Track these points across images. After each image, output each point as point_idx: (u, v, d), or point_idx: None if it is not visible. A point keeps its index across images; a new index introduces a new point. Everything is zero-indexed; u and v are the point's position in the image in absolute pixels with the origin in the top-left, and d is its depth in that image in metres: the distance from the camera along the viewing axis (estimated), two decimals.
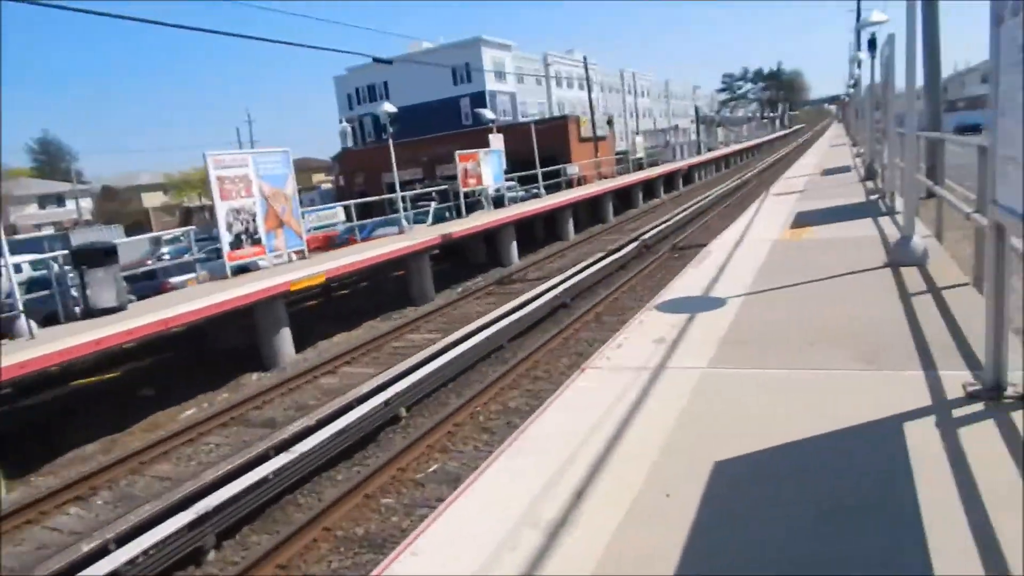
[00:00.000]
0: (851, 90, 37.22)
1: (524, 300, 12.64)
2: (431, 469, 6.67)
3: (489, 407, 8.07)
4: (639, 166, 40.43)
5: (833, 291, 5.49)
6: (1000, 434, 2.74)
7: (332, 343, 12.73)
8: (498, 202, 24.46)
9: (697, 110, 60.17)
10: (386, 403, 7.88)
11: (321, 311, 15.47)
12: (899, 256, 6.05)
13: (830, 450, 2.82)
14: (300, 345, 12.16)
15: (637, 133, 43.93)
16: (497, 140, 26.46)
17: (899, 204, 9.55)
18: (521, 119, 29.18)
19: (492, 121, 27.53)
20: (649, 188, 35.18)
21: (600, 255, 17.28)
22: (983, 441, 2.71)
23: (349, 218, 23.82)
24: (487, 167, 22.50)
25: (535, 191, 27.80)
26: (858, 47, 25.80)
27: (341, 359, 11.21)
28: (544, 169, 28.38)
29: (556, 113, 52.21)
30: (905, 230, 6.05)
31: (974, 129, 51.86)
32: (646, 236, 19.09)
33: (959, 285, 5.14)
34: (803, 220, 9.86)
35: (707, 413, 3.33)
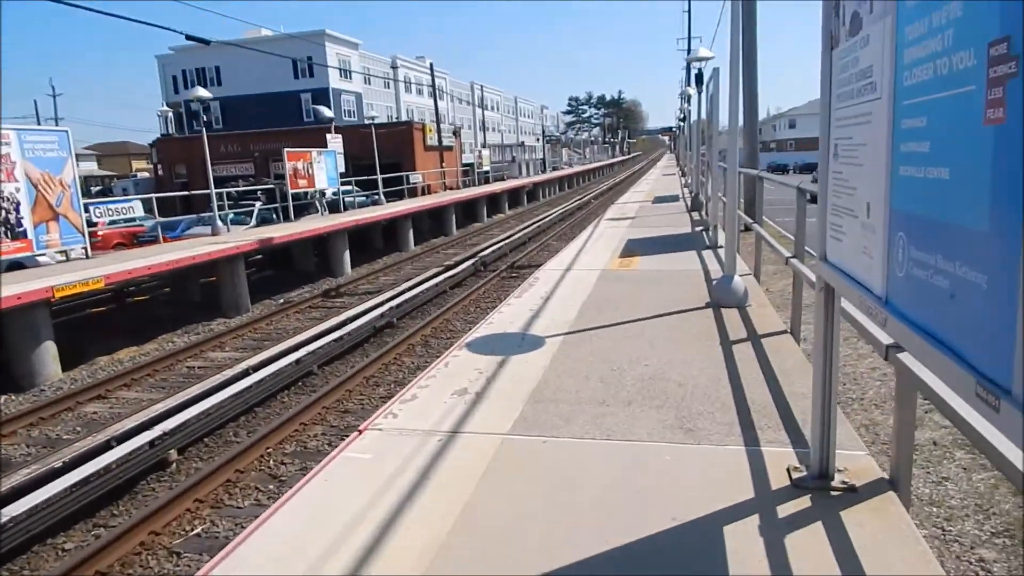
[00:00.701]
0: (681, 123, 39.89)
1: (348, 317, 11.55)
2: (194, 532, 5.46)
3: (284, 447, 6.95)
4: (485, 180, 40.44)
5: (656, 334, 5.10)
6: (829, 543, 2.27)
7: (114, 360, 10.81)
8: (335, 207, 22.98)
9: (544, 129, 61.76)
10: (152, 444, 6.50)
11: (108, 321, 13.24)
12: (721, 296, 5.85)
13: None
14: (72, 362, 10.20)
15: (484, 146, 43.97)
16: (335, 140, 24.98)
17: (721, 238, 9.71)
18: (367, 121, 27.73)
19: (331, 120, 25.97)
20: (494, 202, 35.14)
21: (437, 270, 16.54)
22: (810, 553, 2.23)
23: (162, 212, 21.16)
24: (320, 168, 21.00)
25: (375, 197, 26.56)
26: (688, 82, 27.41)
27: (119, 380, 9.43)
28: (386, 175, 27.22)
29: (405, 119, 51.07)
30: (727, 268, 5.87)
31: (782, 169, 57.85)
32: (485, 253, 18.64)
33: (777, 333, 4.94)
34: (632, 248, 9.76)
35: (493, 511, 2.61)
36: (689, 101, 29.76)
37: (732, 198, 5.85)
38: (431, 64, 33.74)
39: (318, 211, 21.73)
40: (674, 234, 11.39)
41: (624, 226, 12.90)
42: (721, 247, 9.32)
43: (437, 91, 66.11)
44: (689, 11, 42.83)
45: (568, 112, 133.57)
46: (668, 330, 5.16)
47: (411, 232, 23.25)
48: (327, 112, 26.01)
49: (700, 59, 14.23)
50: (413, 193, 30.99)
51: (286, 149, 19.42)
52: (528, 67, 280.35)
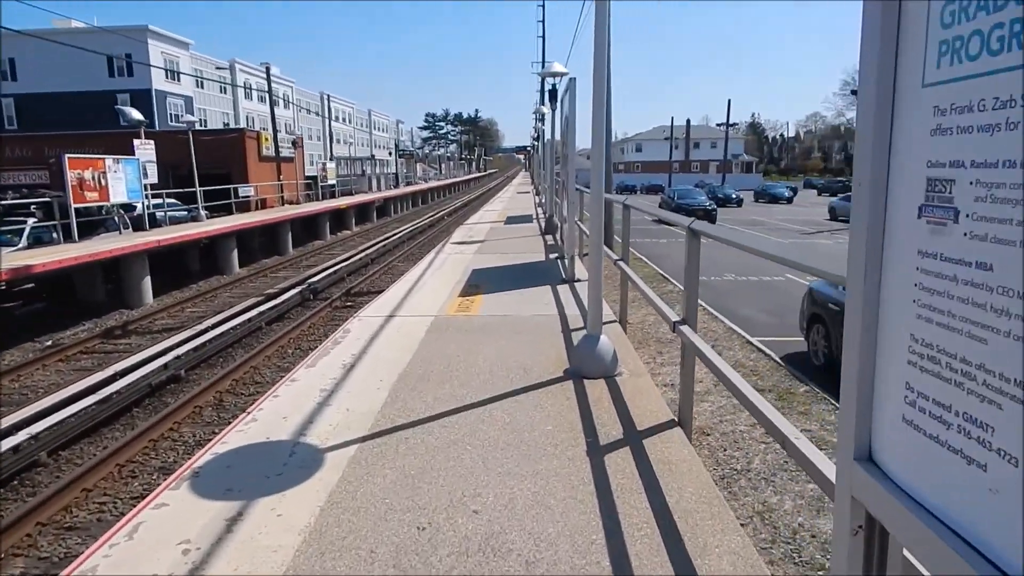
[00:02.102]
0: (535, 142, 39.58)
1: (123, 367, 9.01)
2: None
3: None
4: (331, 194, 37.62)
5: (493, 436, 3.48)
6: None
7: None
8: (140, 223, 19.56)
9: (397, 144, 59.58)
10: None
11: None
12: (583, 363, 4.37)
13: None
14: None
15: (331, 159, 41.07)
16: (146, 147, 21.53)
17: (579, 270, 8.40)
18: (185, 127, 24.28)
19: (140, 123, 22.37)
20: (339, 218, 32.53)
21: (258, 299, 14.08)
22: None
23: None
24: (118, 178, 17.64)
25: (195, 212, 23.20)
26: (542, 101, 26.74)
27: None
28: (211, 187, 23.92)
29: (245, 127, 46.73)
30: (591, 326, 4.40)
31: (630, 190, 59.95)
32: (319, 278, 16.36)
33: (663, 427, 3.50)
34: (477, 282, 8.18)
35: None
36: (543, 120, 29.21)
37: (597, 235, 4.40)
38: (267, 67, 30.59)
39: (116, 228, 18.28)
40: (526, 263, 9.99)
41: (471, 252, 11.35)
42: (579, 280, 7.99)
43: (283, 100, 61.78)
44: (543, 20, 42.66)
45: (425, 128, 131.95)
46: (511, 427, 3.55)
47: (235, 253, 20.33)
48: (135, 114, 22.34)
49: (554, 74, 13.12)
50: (245, 208, 27.74)
51: (68, 156, 15.97)
52: (385, 81, 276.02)
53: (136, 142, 21.28)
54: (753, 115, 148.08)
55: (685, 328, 3.40)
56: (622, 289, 5.98)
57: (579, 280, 8.05)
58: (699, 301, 11.23)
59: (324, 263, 20.14)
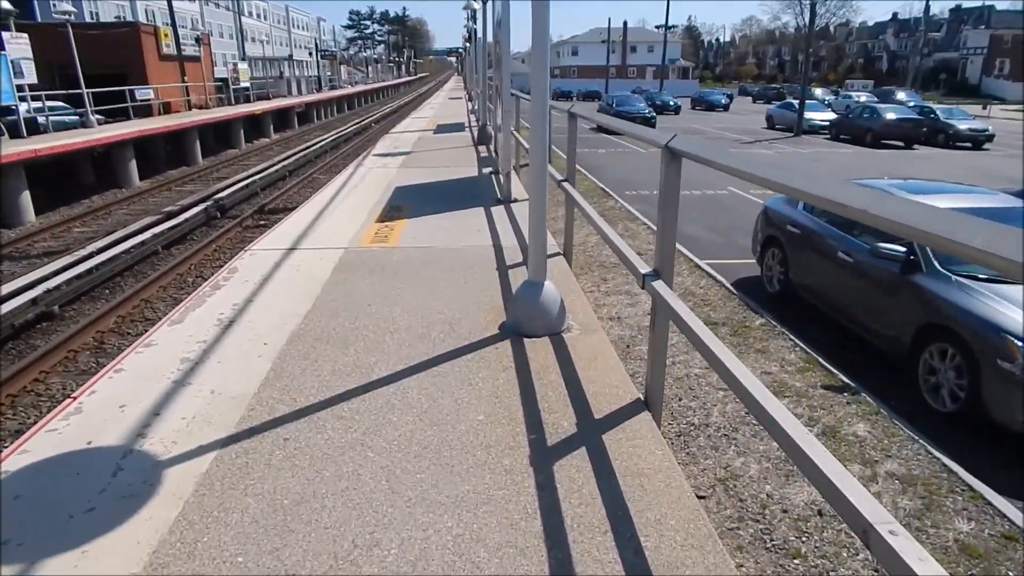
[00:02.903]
0: (467, 44, 37.04)
1: None
2: None
3: None
4: (246, 98, 34.58)
5: (409, 434, 2.61)
6: None
7: None
8: (18, 129, 17.12)
9: (317, 44, 55.17)
10: None
11: None
12: (523, 318, 3.50)
13: None
14: None
15: (243, 59, 37.50)
16: (18, 42, 18.68)
17: (516, 188, 7.43)
18: (65, 18, 21.12)
19: (8, 13, 19.26)
20: (256, 125, 29.97)
21: (155, 218, 12.50)
22: None
23: None
24: None
25: (85, 118, 20.57)
26: None
27: None
28: (98, 90, 21.19)
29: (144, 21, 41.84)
30: (533, 271, 3.51)
31: (567, 96, 57.90)
32: (227, 193, 14.75)
33: (628, 411, 2.71)
34: (399, 203, 7.11)
35: None
36: (474, 18, 27.02)
37: (540, 155, 3.42)
38: None
39: None
40: (457, 179, 8.91)
41: (395, 166, 10.14)
42: (517, 201, 7.04)
43: None
44: None
45: (350, 27, 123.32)
46: (431, 416, 2.68)
47: (134, 163, 18.22)
48: (4, 4, 19.14)
49: None
50: (147, 112, 24.97)
51: None
52: None
53: (5, 35, 18.39)
54: (689, 18, 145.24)
55: (659, 284, 2.55)
56: (567, 214, 5.08)
57: (516, 200, 7.09)
58: (640, 216, 10.39)
59: (237, 175, 18.32)
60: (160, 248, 10.71)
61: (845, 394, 5.13)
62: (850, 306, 6.04)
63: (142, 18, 45.39)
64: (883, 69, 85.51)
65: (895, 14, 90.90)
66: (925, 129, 24.11)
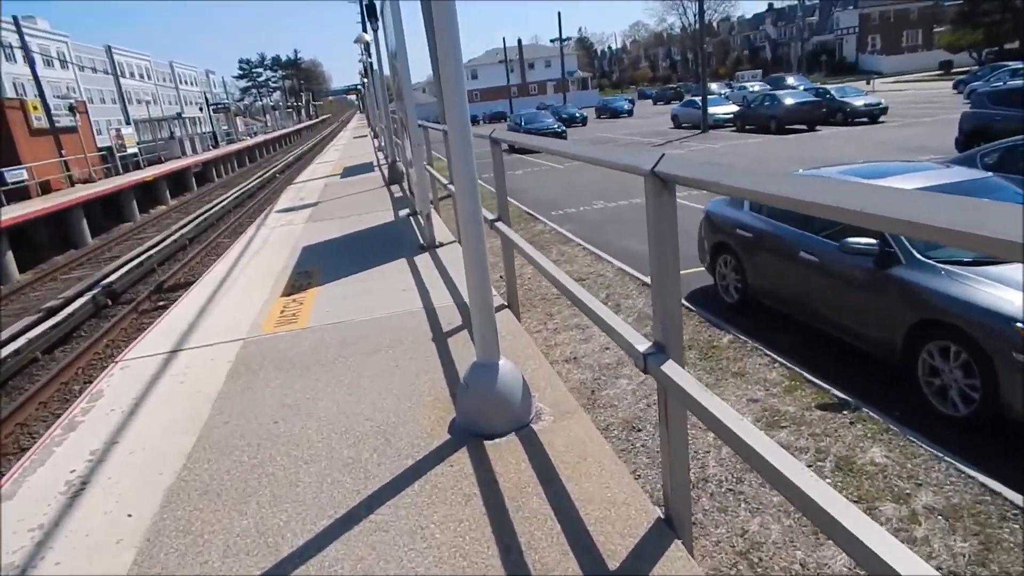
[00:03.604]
0: (365, 79, 36.08)
1: None
2: None
3: None
4: (136, 165, 32.50)
5: None
6: None
7: None
8: None
9: (207, 98, 52.96)
10: None
11: None
12: (478, 412, 2.69)
13: None
14: None
15: (128, 123, 35.28)
16: None
17: (439, 228, 6.63)
18: None
19: None
20: (150, 192, 28.05)
21: (36, 317, 11.00)
22: None
23: None
24: None
25: None
26: (363, 27, 23.73)
27: None
28: None
29: (8, 95, 38.87)
30: (483, 351, 2.70)
31: (473, 120, 57.69)
32: (116, 276, 13.29)
33: (651, 543, 1.93)
34: (307, 266, 6.18)
35: None
36: (368, 50, 26.19)
37: (472, 202, 2.63)
38: (15, 17, 24.73)
39: None
40: (372, 227, 8.03)
41: (301, 221, 9.15)
42: (442, 244, 6.24)
43: (57, 58, 52.36)
44: None
45: (241, 76, 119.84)
46: None
47: (9, 255, 16.39)
48: None
49: None
50: (23, 195, 22.82)
51: None
52: (187, 31, 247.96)
53: None
54: (580, 29, 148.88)
55: (669, 366, 1.80)
56: (505, 259, 4.30)
57: (441, 244, 6.28)
58: (573, 237, 9.75)
59: (131, 252, 16.75)
60: (39, 355, 9.30)
61: (845, 412, 4.54)
62: (824, 309, 5.51)
63: (9, 90, 42.29)
64: (768, 58, 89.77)
65: (770, 4, 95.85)
66: (824, 110, 24.83)
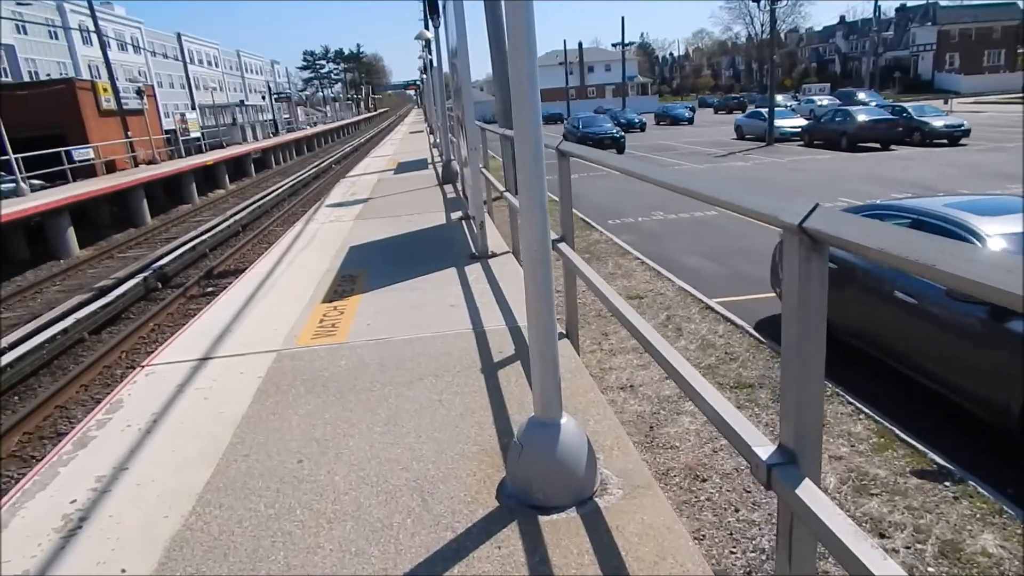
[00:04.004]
0: (424, 76, 36.07)
1: None
2: None
3: None
4: (198, 149, 33.15)
5: None
6: None
7: None
8: None
9: (271, 87, 53.98)
10: None
11: None
12: (533, 478, 2.26)
13: None
14: None
15: (193, 108, 36.12)
16: None
17: (493, 235, 6.23)
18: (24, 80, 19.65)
19: None
20: (210, 176, 28.57)
21: (88, 296, 11.06)
22: None
23: None
24: None
25: (25, 184, 19.00)
26: (425, 24, 23.60)
27: None
28: (28, 154, 19.64)
29: (84, 77, 40.29)
30: (544, 408, 2.26)
31: (555, 119, 57.07)
32: (169, 259, 13.33)
33: None
34: (352, 269, 5.85)
35: None
36: (428, 47, 26.09)
37: (540, 236, 2.20)
38: (90, 2, 25.47)
39: None
40: (422, 229, 7.69)
41: (350, 217, 8.88)
42: (495, 255, 5.84)
43: (130, 43, 54.17)
44: None
45: (304, 68, 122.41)
46: None
47: (71, 232, 16.72)
48: None
49: None
50: (90, 173, 23.41)
51: None
52: (257, 20, 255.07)
53: None
54: (642, 35, 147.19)
55: (804, 488, 1.34)
56: (567, 285, 3.85)
57: (494, 255, 5.88)
58: (631, 249, 9.20)
59: (187, 234, 16.91)
60: (87, 335, 9.27)
61: (947, 483, 3.94)
62: (922, 359, 4.88)
63: (84, 73, 43.83)
64: (836, 72, 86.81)
65: (842, 17, 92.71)
66: (900, 129, 23.55)
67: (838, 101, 40.52)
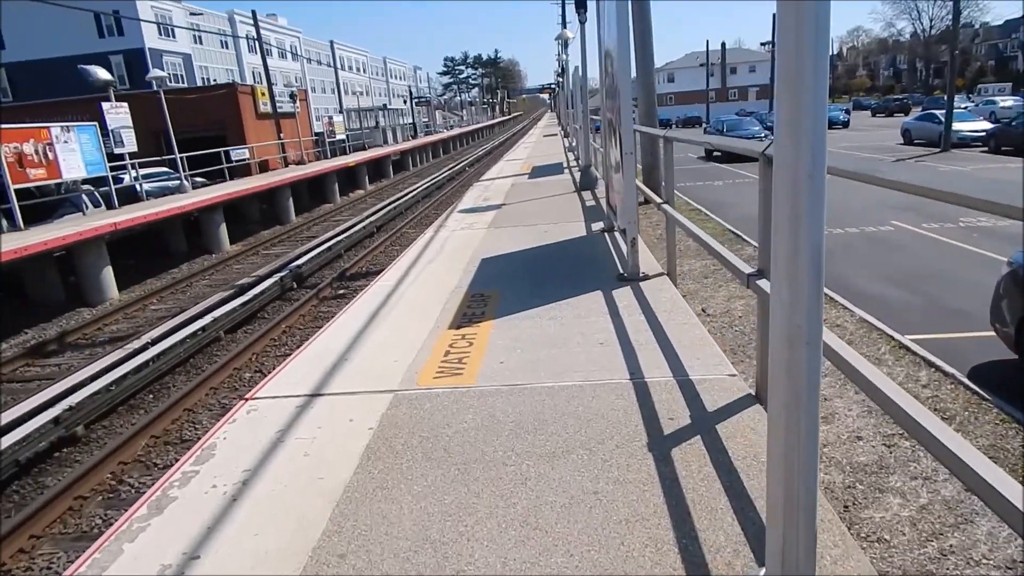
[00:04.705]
0: (559, 78, 35.57)
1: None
2: None
3: None
4: (343, 150, 34.64)
5: None
6: None
7: None
8: (109, 200, 16.95)
9: (411, 91, 55.81)
10: None
11: None
12: None
13: None
14: None
15: (339, 111, 37.82)
16: (118, 111, 18.72)
17: (644, 256, 5.35)
18: (167, 84, 21.37)
19: (107, 83, 19.52)
20: (351, 177, 29.64)
21: (227, 294, 11.36)
22: None
23: None
24: (70, 150, 14.93)
25: (188, 182, 20.45)
26: (563, 24, 23.01)
27: None
28: (191, 153, 21.09)
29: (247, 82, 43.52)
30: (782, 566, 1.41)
31: (666, 124, 55.32)
32: (305, 259, 13.54)
33: None
34: (484, 287, 5.21)
35: None
36: (566, 47, 25.47)
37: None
38: (254, 12, 27.21)
39: (80, 208, 15.72)
40: (560, 241, 6.95)
41: (482, 225, 8.31)
42: (647, 277, 4.97)
43: (289, 51, 58.17)
44: None
45: (445, 73, 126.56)
46: None
47: (223, 227, 17.64)
48: (101, 73, 19.42)
49: None
50: (245, 172, 24.94)
51: (1, 126, 13.25)
52: (401, 27, 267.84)
53: (105, 106, 18.49)
54: None
55: None
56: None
57: (646, 277, 5.01)
58: None
59: (326, 233, 17.34)
60: (222, 334, 9.38)
61: None
62: None
63: (248, 79, 47.39)
64: (1019, 69, 76.86)
65: None
66: None
67: (1022, 101, 35.48)
